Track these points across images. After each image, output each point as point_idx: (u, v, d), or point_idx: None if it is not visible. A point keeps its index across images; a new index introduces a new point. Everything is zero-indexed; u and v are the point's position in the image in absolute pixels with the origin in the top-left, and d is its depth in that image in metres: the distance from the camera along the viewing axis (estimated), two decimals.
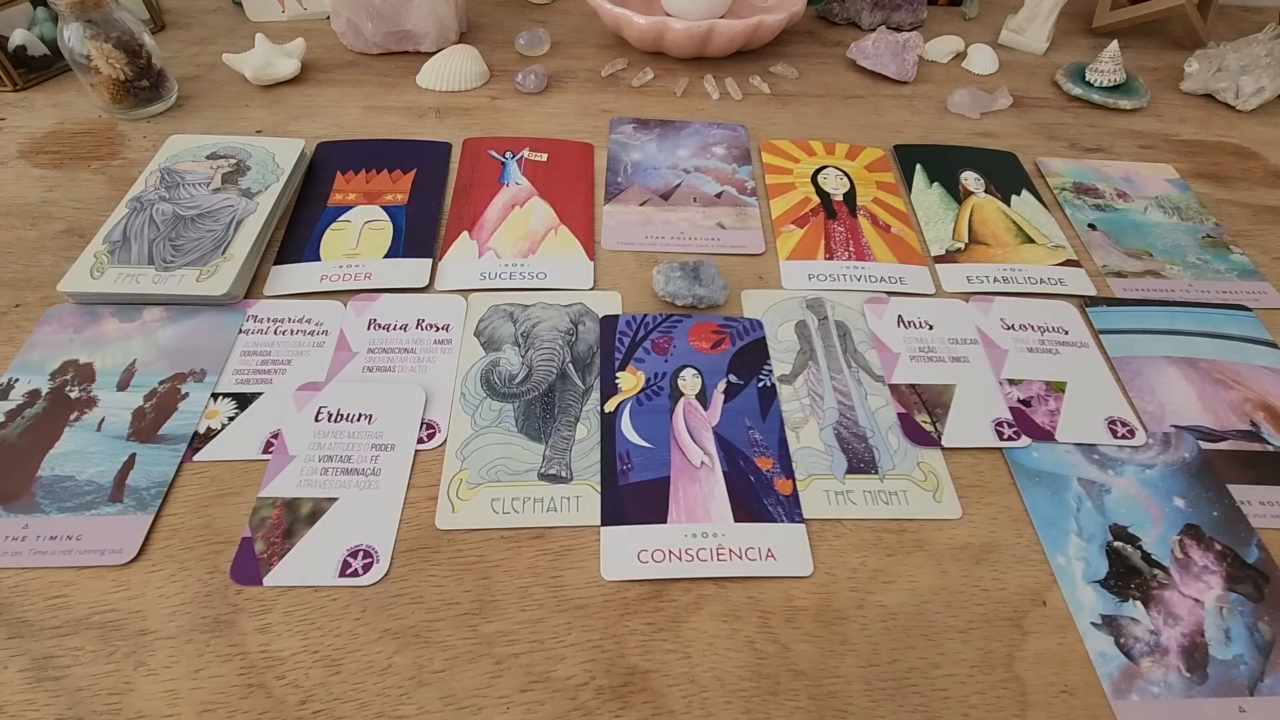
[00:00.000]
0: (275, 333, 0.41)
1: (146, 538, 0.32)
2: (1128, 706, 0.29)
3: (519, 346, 0.41)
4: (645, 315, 0.43)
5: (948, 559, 0.34)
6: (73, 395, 0.37)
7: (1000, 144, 0.60)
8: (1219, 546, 0.35)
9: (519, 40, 0.66)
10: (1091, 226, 0.53)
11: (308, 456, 0.35)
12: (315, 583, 0.31)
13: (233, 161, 0.50)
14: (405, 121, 0.57)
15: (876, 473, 0.36)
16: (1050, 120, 0.64)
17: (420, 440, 0.36)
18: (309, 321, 0.41)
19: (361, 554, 0.32)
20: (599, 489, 0.35)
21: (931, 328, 0.44)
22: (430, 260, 0.45)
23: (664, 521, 0.34)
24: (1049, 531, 0.35)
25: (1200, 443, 0.39)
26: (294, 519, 0.33)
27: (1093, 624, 0.32)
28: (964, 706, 0.29)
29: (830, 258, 0.48)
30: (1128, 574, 0.33)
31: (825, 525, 0.35)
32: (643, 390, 0.39)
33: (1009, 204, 0.54)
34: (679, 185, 0.53)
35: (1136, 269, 0.49)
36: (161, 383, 0.38)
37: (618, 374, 0.40)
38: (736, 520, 0.34)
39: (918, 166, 0.56)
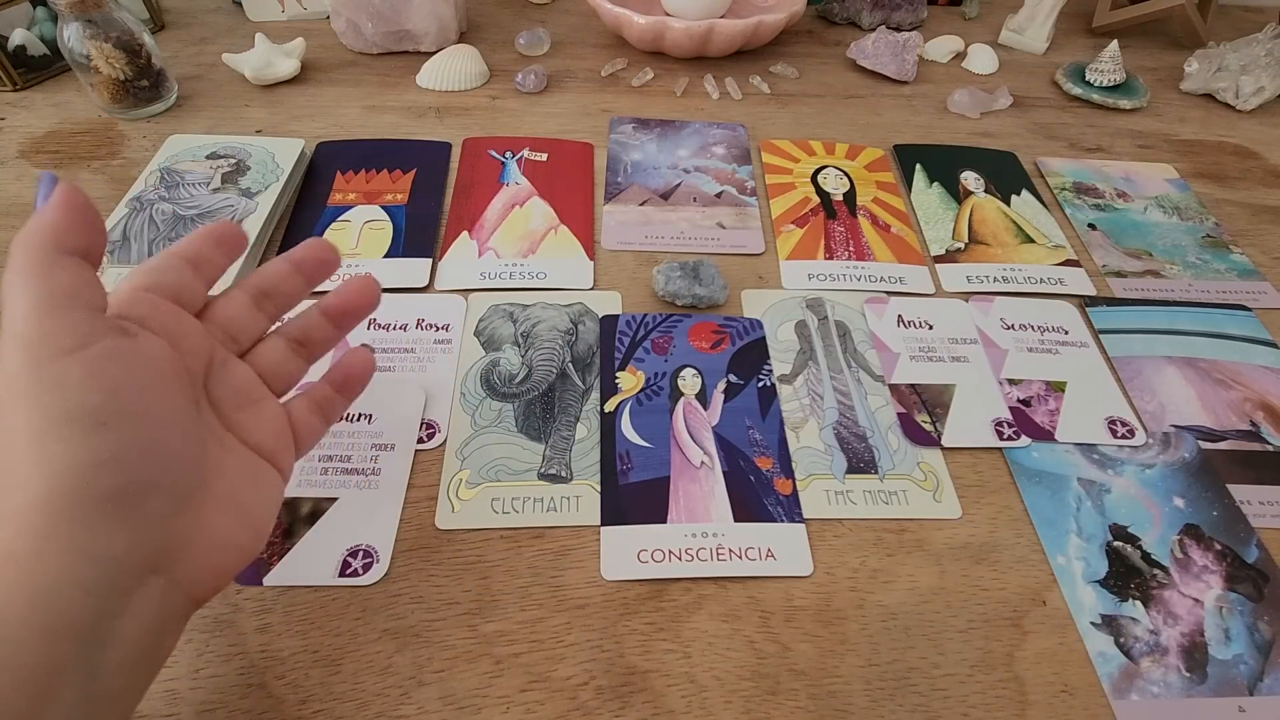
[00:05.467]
0: None
1: None
2: (1127, 706, 0.29)
3: (519, 346, 0.41)
4: (645, 315, 0.43)
5: (948, 559, 0.34)
6: None
7: (1000, 144, 0.60)
8: (1219, 546, 0.35)
9: (519, 40, 0.66)
10: (1091, 226, 0.53)
11: (307, 456, 0.35)
12: (315, 582, 0.31)
13: (232, 161, 0.50)
14: (405, 121, 0.57)
15: (876, 472, 0.36)
16: (1050, 120, 0.64)
17: (420, 440, 0.36)
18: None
19: (361, 554, 0.32)
20: (599, 489, 0.35)
21: (931, 327, 0.44)
22: (430, 260, 0.45)
23: (664, 521, 0.34)
24: (1049, 531, 0.35)
25: (1200, 442, 0.39)
26: (293, 519, 0.33)
27: (1092, 624, 0.32)
28: (964, 706, 0.29)
29: (830, 257, 0.48)
30: (1127, 574, 0.33)
31: (825, 525, 0.35)
32: (642, 390, 0.39)
33: (1009, 204, 0.54)
34: (679, 185, 0.53)
35: (1136, 269, 0.49)
36: None
37: (618, 374, 0.40)
38: (736, 520, 0.34)
39: (917, 166, 0.56)
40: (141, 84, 0.54)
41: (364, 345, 0.32)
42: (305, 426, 0.28)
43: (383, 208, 0.49)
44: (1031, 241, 0.51)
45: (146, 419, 0.21)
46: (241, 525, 0.24)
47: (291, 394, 0.29)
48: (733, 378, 0.40)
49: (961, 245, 0.50)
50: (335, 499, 0.34)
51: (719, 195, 0.52)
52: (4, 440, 0.19)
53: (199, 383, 0.24)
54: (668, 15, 0.64)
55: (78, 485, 0.19)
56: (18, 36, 0.57)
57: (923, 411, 0.39)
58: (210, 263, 0.26)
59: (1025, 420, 0.39)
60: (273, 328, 0.29)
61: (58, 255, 0.21)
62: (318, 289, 0.30)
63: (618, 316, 0.43)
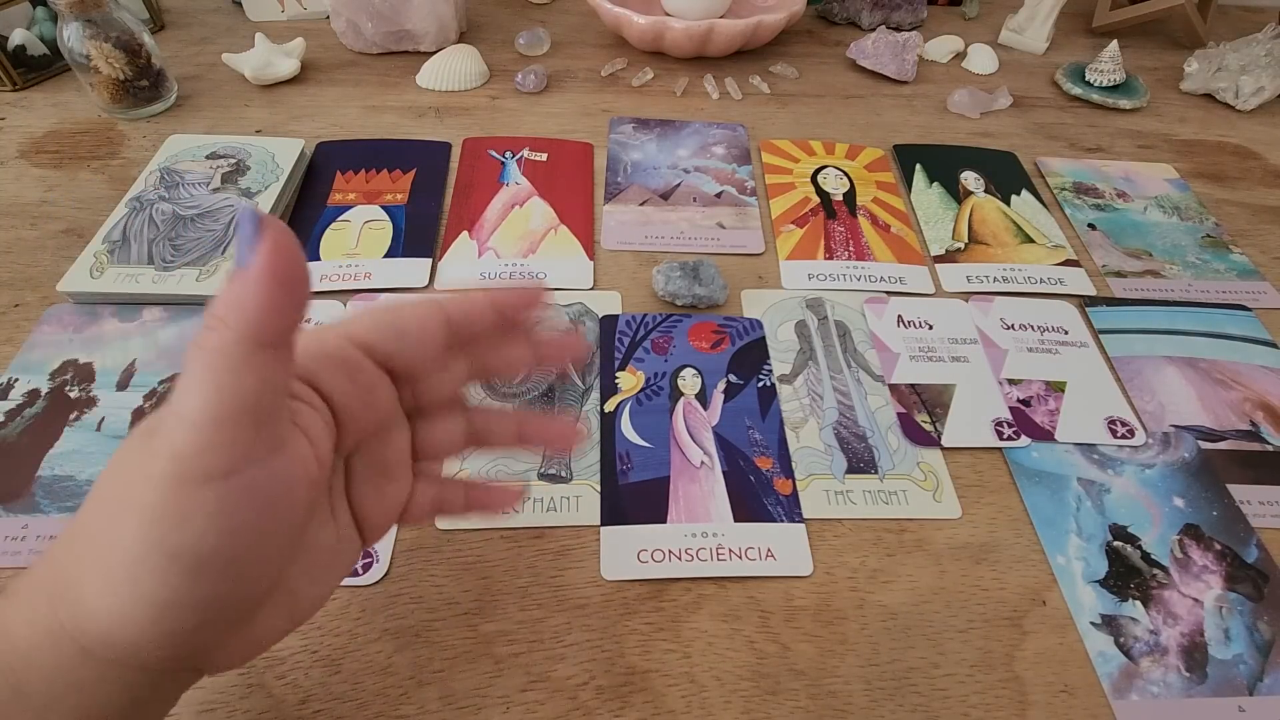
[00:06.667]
0: None
1: None
2: (1127, 706, 0.29)
3: None
4: (645, 315, 0.43)
5: (947, 559, 0.34)
6: (72, 395, 0.37)
7: (1000, 144, 0.60)
8: (1218, 546, 0.35)
9: (519, 40, 0.66)
10: (1091, 226, 0.53)
11: None
12: None
13: (232, 161, 0.50)
14: (405, 121, 0.57)
15: (876, 472, 0.36)
16: (1050, 120, 0.64)
17: None
18: (308, 322, 0.41)
19: (361, 553, 0.32)
20: (599, 489, 0.35)
21: (931, 327, 0.44)
22: (430, 260, 0.45)
23: (664, 521, 0.34)
24: (1049, 531, 0.35)
25: (1200, 442, 0.39)
26: None
27: (1092, 624, 0.32)
28: (964, 706, 0.29)
29: (830, 257, 0.48)
30: (1127, 574, 0.33)
31: (825, 525, 0.35)
32: (642, 390, 0.39)
33: (1009, 204, 0.54)
34: (679, 185, 0.53)
35: (1136, 269, 0.50)
36: (162, 382, 0.38)
37: (617, 374, 0.40)
38: (736, 520, 0.34)
39: (917, 166, 0.56)
40: (141, 84, 0.54)
41: (522, 482, 0.29)
42: (419, 512, 0.25)
43: (383, 208, 0.49)
44: (1031, 241, 0.51)
45: (249, 565, 0.19)
46: (286, 620, 0.21)
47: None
48: (733, 378, 0.40)
49: (961, 245, 0.50)
50: None
51: (719, 195, 0.52)
52: (105, 535, 0.18)
53: (342, 456, 0.22)
54: (668, 15, 0.64)
55: (148, 617, 0.18)
56: (18, 36, 0.57)
57: (923, 411, 0.39)
58: (480, 336, 0.23)
59: (1025, 420, 0.39)
60: (466, 400, 0.26)
61: (251, 352, 0.17)
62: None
63: (618, 316, 0.43)
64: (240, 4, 0.68)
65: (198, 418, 0.17)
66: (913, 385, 0.41)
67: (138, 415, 0.36)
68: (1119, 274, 0.49)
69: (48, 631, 0.18)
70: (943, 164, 0.56)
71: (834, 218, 0.51)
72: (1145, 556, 0.34)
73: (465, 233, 0.48)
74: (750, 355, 0.41)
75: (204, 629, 0.19)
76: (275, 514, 0.19)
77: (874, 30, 0.69)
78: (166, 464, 0.17)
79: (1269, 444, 0.39)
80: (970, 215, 0.52)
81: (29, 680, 0.18)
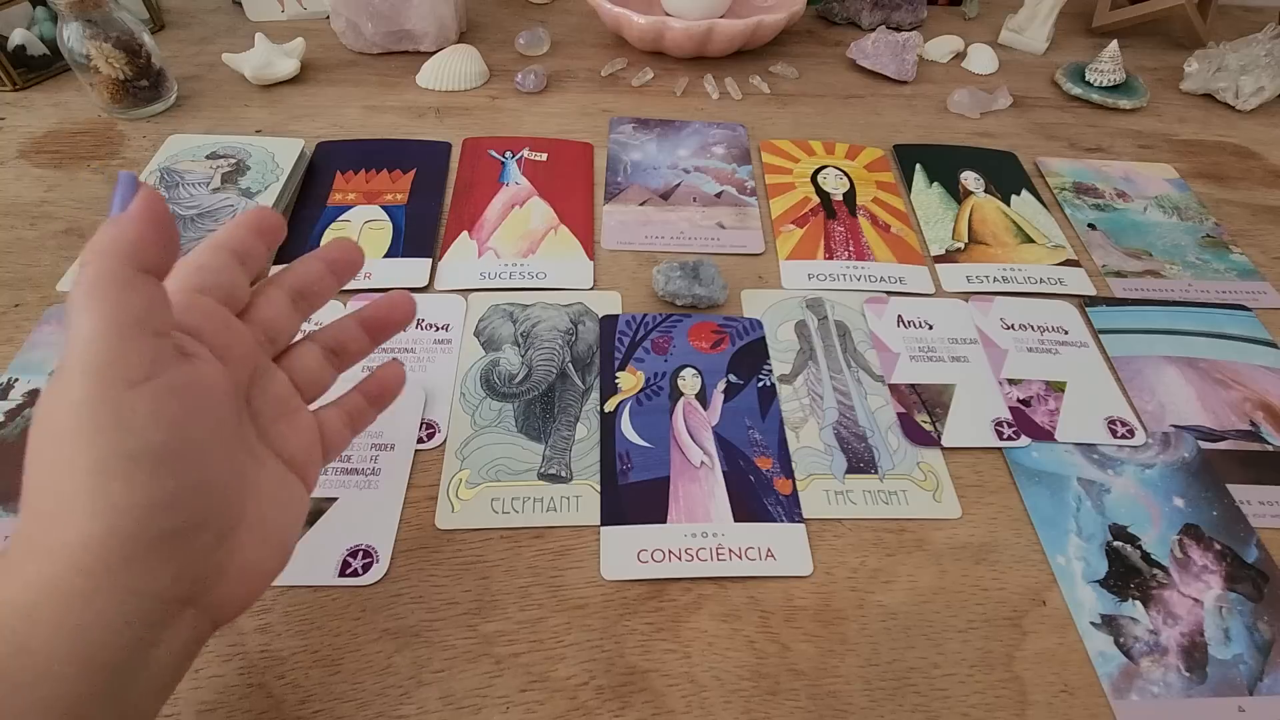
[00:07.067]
0: None
1: None
2: (1127, 706, 0.29)
3: (519, 346, 0.41)
4: (645, 315, 0.43)
5: (947, 559, 0.34)
6: None
7: (1000, 144, 0.60)
8: (1218, 546, 0.35)
9: (519, 40, 0.66)
10: (1091, 226, 0.53)
11: None
12: (315, 582, 0.31)
13: (232, 161, 0.50)
14: (405, 121, 0.57)
15: (876, 472, 0.36)
16: (1050, 120, 0.64)
17: (420, 440, 0.36)
18: (308, 321, 0.41)
19: (361, 554, 0.32)
20: (599, 489, 0.35)
21: (931, 327, 0.44)
22: (430, 260, 0.45)
23: (664, 521, 0.34)
24: (1049, 531, 0.35)
25: (1200, 442, 0.39)
26: None
27: (1092, 624, 0.32)
28: (964, 706, 0.29)
29: (830, 257, 0.48)
30: (1127, 574, 0.33)
31: (825, 525, 0.35)
32: (642, 390, 0.39)
33: (1009, 204, 0.54)
34: (679, 185, 0.53)
35: (1136, 269, 0.50)
36: None
37: (617, 374, 0.40)
38: (736, 520, 0.34)
39: (917, 166, 0.56)
40: (141, 84, 0.54)
41: (395, 359, 0.31)
42: (335, 436, 0.28)
43: (382, 208, 0.49)
44: (1031, 241, 0.51)
45: (203, 457, 0.20)
46: (269, 550, 0.23)
47: (321, 401, 0.28)
48: (733, 378, 0.40)
49: (961, 245, 0.50)
50: (335, 499, 0.34)
51: (719, 195, 0.52)
52: (60, 470, 0.19)
53: (243, 395, 0.24)
54: (668, 15, 0.64)
55: (134, 526, 0.19)
56: (18, 36, 0.57)
57: (922, 411, 0.39)
58: (253, 255, 0.26)
59: (1025, 420, 0.39)
60: (306, 333, 0.28)
61: (133, 273, 0.19)
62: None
63: (617, 316, 0.43)
64: (240, 4, 0.68)
65: (98, 332, 0.18)
66: (913, 385, 0.41)
67: None
68: (1119, 274, 0.49)
69: (43, 585, 0.18)
70: (943, 164, 0.56)
71: (834, 218, 0.51)
72: (1145, 556, 0.34)
73: (465, 233, 0.48)
74: (750, 355, 0.41)
75: (192, 535, 0.20)
76: (206, 408, 0.21)
77: (874, 30, 0.69)
78: (86, 381, 0.18)
79: (1269, 444, 0.39)
80: (970, 215, 0.52)
81: (33, 637, 0.18)
